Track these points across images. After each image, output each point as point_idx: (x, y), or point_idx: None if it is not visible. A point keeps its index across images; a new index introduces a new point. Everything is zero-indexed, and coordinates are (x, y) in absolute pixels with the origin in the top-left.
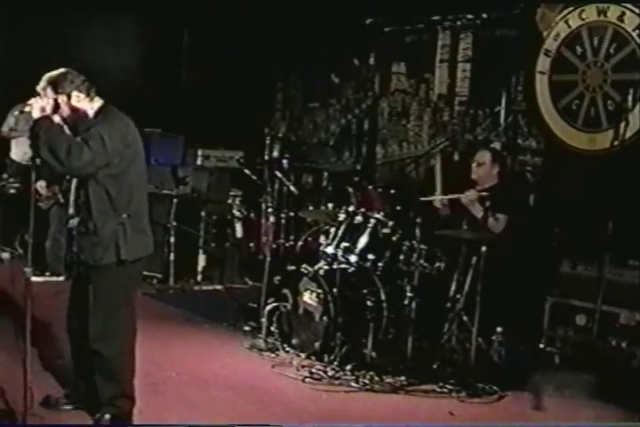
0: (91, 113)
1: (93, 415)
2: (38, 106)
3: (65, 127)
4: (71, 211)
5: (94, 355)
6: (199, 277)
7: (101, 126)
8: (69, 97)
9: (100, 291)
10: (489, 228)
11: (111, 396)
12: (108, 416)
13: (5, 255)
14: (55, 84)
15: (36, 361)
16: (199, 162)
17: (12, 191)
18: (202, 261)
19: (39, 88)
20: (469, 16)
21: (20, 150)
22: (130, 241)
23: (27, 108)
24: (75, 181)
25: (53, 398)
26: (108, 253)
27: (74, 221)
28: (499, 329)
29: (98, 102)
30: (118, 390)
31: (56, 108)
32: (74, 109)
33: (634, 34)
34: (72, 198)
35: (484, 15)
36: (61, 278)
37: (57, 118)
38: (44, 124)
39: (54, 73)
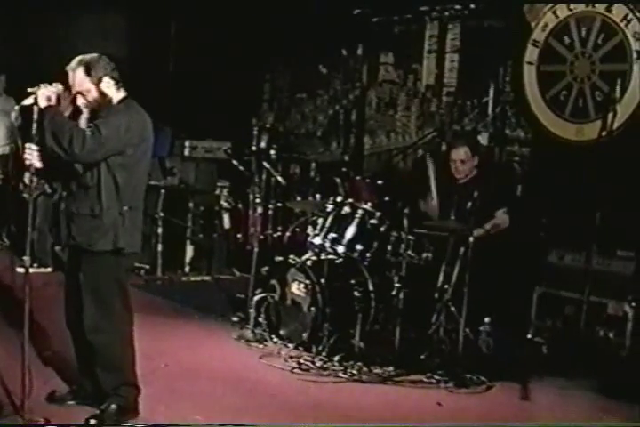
0: (114, 102)
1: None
2: (44, 95)
3: (85, 111)
4: (72, 194)
5: (91, 346)
6: (187, 269)
7: (121, 116)
8: (100, 81)
9: (92, 279)
10: (501, 228)
11: (114, 386)
12: (114, 406)
13: None
14: (89, 67)
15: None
16: (187, 153)
17: None
18: (190, 252)
19: (69, 68)
20: (457, 6)
21: None
22: (127, 233)
23: (27, 102)
24: (79, 165)
25: (59, 394)
26: (104, 239)
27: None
28: (486, 319)
29: (122, 93)
30: (120, 379)
31: (60, 96)
32: (102, 94)
33: (622, 24)
34: (75, 181)
35: (472, 5)
36: (49, 270)
37: (80, 101)
38: (49, 113)
39: (88, 55)
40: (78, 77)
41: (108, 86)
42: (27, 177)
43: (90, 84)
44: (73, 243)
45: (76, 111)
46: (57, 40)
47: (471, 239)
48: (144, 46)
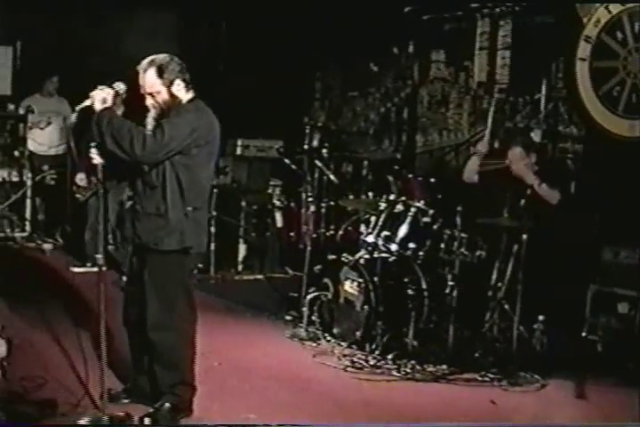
0: (183, 103)
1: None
2: (100, 98)
3: (152, 111)
4: (137, 193)
5: (152, 344)
6: (240, 267)
7: (189, 116)
8: (171, 84)
9: (157, 278)
10: (545, 199)
11: (171, 384)
12: (167, 405)
13: (48, 246)
14: (161, 69)
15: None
16: (239, 152)
17: (52, 182)
18: (242, 250)
19: (140, 68)
20: (509, 3)
21: (34, 142)
22: (193, 232)
23: (87, 103)
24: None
25: (114, 392)
26: (170, 238)
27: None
28: (540, 317)
29: (190, 94)
30: (178, 377)
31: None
32: (172, 96)
33: None
34: (140, 180)
35: (523, 2)
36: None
37: (149, 102)
38: (107, 115)
39: (161, 57)
40: (149, 79)
41: (179, 89)
42: (78, 178)
43: (161, 86)
44: (138, 242)
45: (129, 112)
46: (107, 40)
47: (524, 237)
48: (195, 46)
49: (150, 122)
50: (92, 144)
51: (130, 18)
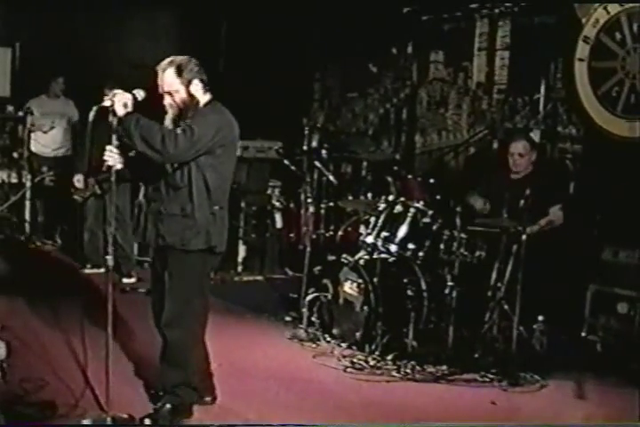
0: (201, 104)
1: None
2: (121, 102)
3: (170, 112)
4: (160, 194)
5: (164, 340)
6: (239, 268)
7: (212, 116)
8: (189, 83)
9: (178, 277)
10: (555, 225)
11: (173, 384)
12: (168, 406)
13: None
14: (180, 68)
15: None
16: (238, 153)
17: (51, 184)
18: (242, 251)
19: (159, 68)
20: (507, 4)
21: (38, 143)
22: (218, 232)
23: (106, 103)
24: (169, 166)
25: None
26: (197, 238)
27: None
28: (540, 318)
29: (208, 96)
30: (181, 378)
31: (135, 100)
32: (190, 96)
33: None
34: (162, 181)
35: (522, 2)
36: (102, 271)
37: (167, 101)
38: (133, 118)
39: (180, 57)
40: (168, 78)
41: (197, 89)
42: (76, 179)
43: (180, 85)
44: (163, 243)
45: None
46: (106, 41)
47: (524, 237)
48: (194, 47)
49: (169, 124)
50: (113, 145)
51: (130, 18)
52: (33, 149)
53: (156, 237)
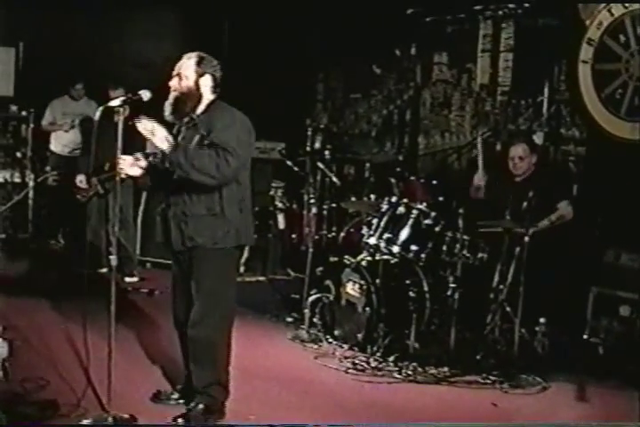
0: (205, 102)
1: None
2: (162, 136)
3: (170, 96)
4: (181, 197)
5: (191, 341)
6: (242, 269)
7: (237, 114)
8: (202, 75)
9: (209, 275)
10: (565, 220)
11: (205, 384)
12: (201, 406)
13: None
14: (201, 60)
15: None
16: None
17: (54, 184)
18: (244, 252)
19: (185, 56)
20: (511, 5)
21: (59, 143)
22: (247, 228)
23: (113, 103)
24: None
25: (164, 393)
26: (227, 237)
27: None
28: (542, 320)
29: (212, 96)
30: (213, 377)
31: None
32: (196, 86)
33: None
34: (185, 186)
35: (526, 4)
36: (104, 270)
37: (173, 82)
38: (180, 150)
39: (205, 53)
40: (187, 63)
41: (206, 83)
42: (78, 180)
43: (193, 73)
44: (192, 244)
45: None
46: (108, 41)
47: (526, 239)
48: (197, 47)
49: (168, 109)
50: (121, 156)
51: (132, 18)
52: (53, 148)
53: (182, 239)
